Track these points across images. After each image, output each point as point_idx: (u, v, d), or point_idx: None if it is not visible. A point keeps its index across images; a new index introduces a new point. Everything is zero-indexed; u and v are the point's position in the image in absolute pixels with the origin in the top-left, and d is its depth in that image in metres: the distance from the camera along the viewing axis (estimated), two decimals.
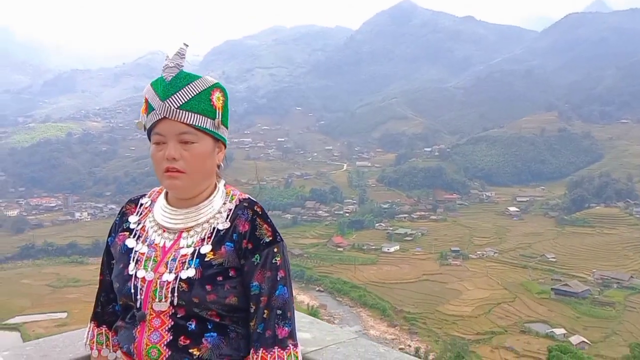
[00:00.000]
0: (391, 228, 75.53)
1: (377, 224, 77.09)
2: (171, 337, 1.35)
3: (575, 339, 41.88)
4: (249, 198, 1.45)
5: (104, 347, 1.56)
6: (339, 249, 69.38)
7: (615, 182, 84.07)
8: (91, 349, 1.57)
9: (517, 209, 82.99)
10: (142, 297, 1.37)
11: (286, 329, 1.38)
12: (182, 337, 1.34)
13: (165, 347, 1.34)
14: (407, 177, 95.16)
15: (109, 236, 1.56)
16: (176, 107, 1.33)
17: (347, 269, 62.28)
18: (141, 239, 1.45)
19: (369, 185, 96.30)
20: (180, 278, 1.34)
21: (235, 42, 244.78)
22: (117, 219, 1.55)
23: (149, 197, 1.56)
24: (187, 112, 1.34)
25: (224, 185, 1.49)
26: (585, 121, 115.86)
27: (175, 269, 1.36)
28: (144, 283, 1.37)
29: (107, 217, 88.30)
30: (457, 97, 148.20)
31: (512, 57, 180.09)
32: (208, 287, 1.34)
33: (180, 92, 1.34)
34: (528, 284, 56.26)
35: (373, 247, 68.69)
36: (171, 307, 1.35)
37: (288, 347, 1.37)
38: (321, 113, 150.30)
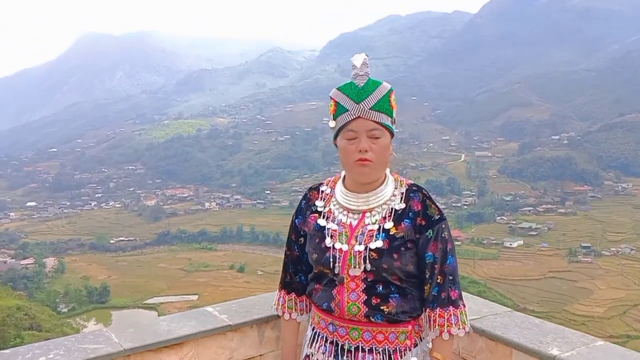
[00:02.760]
0: (514, 222, 72.12)
1: (498, 217, 73.99)
2: (366, 297, 1.68)
3: None
4: (414, 183, 1.79)
5: (294, 311, 1.91)
6: (456, 242, 67.49)
7: None
8: (283, 312, 1.92)
9: None
10: (340, 264, 1.70)
11: (457, 291, 1.72)
12: (374, 297, 1.68)
13: (362, 304, 1.68)
14: (532, 167, 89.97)
15: (295, 217, 1.90)
16: (369, 108, 1.66)
17: (466, 264, 60.50)
18: (329, 219, 1.78)
19: (489, 177, 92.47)
20: (370, 248, 1.67)
21: (350, 35, 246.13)
22: (303, 203, 1.89)
23: (327, 185, 1.88)
24: (377, 112, 1.66)
25: (390, 172, 1.80)
26: None
27: (365, 241, 1.69)
28: (341, 253, 1.70)
29: (233, 206, 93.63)
30: (588, 80, 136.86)
31: None
32: (395, 256, 1.67)
33: (371, 95, 1.67)
34: None
35: (494, 242, 66.13)
36: (363, 273, 1.68)
37: (460, 306, 1.72)
38: (437, 102, 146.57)
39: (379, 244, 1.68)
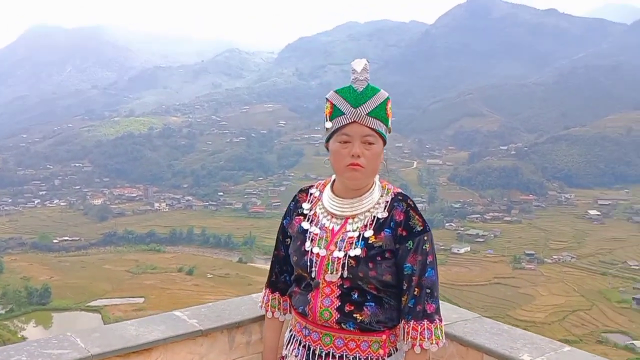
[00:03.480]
0: (462, 228, 73.88)
1: (447, 224, 75.66)
2: (339, 303, 1.68)
3: None
4: (401, 192, 1.77)
5: (277, 309, 1.92)
6: None
7: None
8: (266, 310, 1.94)
9: (598, 213, 78.74)
10: (317, 269, 1.70)
11: (434, 305, 1.68)
12: (347, 304, 1.67)
13: (335, 311, 1.68)
14: (481, 176, 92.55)
15: (283, 218, 1.89)
16: (365, 113, 1.67)
17: None
18: (314, 222, 1.77)
19: (439, 184, 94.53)
20: (349, 255, 1.66)
21: (308, 39, 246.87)
22: (292, 205, 1.88)
23: (316, 188, 1.87)
24: (373, 119, 1.68)
25: (379, 179, 1.80)
26: None
27: (344, 248, 1.68)
28: (318, 258, 1.71)
29: (184, 207, 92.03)
30: (537, 93, 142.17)
31: (597, 52, 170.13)
32: (370, 265, 1.66)
33: (369, 101, 1.68)
34: (607, 292, 53.44)
35: (442, 247, 67.42)
36: (340, 279, 1.67)
37: (435, 321, 1.68)
38: (392, 110, 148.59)
39: (357, 251, 1.66)
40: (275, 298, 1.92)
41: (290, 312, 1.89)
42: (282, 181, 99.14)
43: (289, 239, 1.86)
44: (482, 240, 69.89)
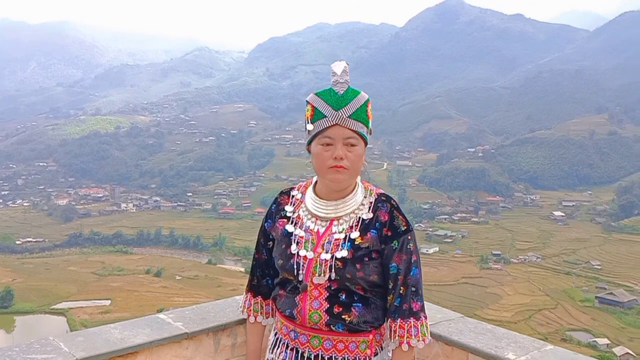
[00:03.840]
0: (431, 229, 74.78)
1: (416, 225, 76.41)
2: (328, 305, 1.68)
3: (619, 350, 40.56)
4: (384, 193, 1.78)
5: (259, 314, 1.90)
6: None
7: None
8: (248, 315, 1.91)
9: (562, 214, 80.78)
10: (304, 271, 1.70)
11: (419, 303, 1.71)
12: (336, 306, 1.68)
13: (324, 313, 1.68)
14: (449, 177, 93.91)
15: (265, 221, 1.87)
16: (347, 116, 1.66)
17: None
18: (298, 225, 1.77)
19: (409, 185, 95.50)
20: (336, 257, 1.67)
21: (279, 39, 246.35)
22: (273, 207, 1.87)
23: (297, 190, 1.87)
24: (354, 121, 1.67)
25: (361, 180, 1.80)
26: (637, 124, 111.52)
27: (331, 250, 1.69)
28: (305, 260, 1.70)
29: (152, 208, 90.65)
30: (503, 97, 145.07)
31: (562, 57, 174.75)
32: (358, 266, 1.67)
33: (350, 104, 1.67)
34: (571, 291, 54.81)
35: None
36: (327, 281, 1.68)
37: (421, 318, 1.71)
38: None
39: (344, 253, 1.67)
40: (258, 302, 1.90)
41: (273, 316, 1.88)
42: (253, 182, 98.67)
43: (271, 242, 1.84)
44: (450, 240, 70.87)
